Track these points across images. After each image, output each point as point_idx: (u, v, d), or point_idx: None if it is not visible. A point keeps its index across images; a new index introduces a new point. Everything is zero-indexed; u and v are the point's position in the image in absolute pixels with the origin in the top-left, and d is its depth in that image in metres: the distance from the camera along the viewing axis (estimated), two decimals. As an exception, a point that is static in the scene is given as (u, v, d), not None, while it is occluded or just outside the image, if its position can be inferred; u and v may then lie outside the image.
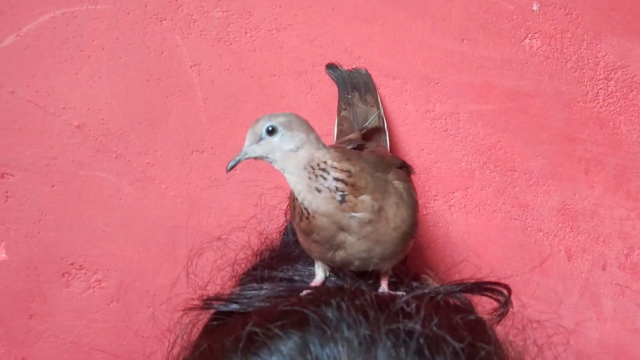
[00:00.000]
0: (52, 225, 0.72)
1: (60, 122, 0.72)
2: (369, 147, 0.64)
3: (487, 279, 0.52)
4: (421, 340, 0.40)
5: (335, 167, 0.49)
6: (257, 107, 0.76)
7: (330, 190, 0.48)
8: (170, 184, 0.74)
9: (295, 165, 0.49)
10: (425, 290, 0.48)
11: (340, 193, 0.49)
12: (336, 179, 0.49)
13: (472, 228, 0.80)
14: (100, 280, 0.73)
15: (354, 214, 0.49)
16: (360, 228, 0.49)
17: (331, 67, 0.76)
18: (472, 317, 0.47)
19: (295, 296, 0.49)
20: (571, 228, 0.82)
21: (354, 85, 0.75)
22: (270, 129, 0.49)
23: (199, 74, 0.75)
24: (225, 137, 0.76)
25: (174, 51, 0.75)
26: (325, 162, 0.49)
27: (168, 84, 0.75)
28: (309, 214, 0.49)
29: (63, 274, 0.73)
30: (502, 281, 0.51)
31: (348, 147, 0.60)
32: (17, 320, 0.72)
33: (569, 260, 0.81)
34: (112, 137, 0.73)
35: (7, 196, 0.72)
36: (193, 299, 0.53)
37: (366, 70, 0.76)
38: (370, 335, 0.40)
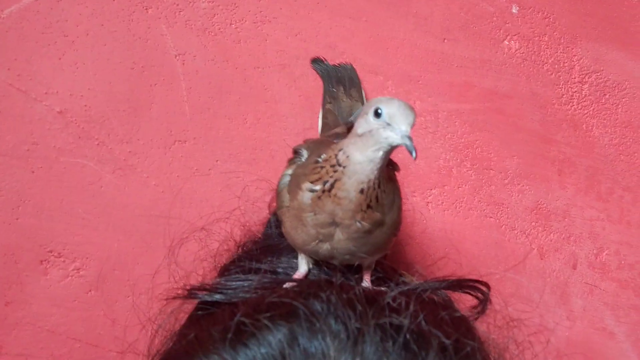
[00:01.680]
0: (31, 212, 0.71)
1: (41, 107, 0.71)
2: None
3: (467, 277, 0.52)
4: (408, 335, 0.40)
5: (383, 185, 0.48)
6: (240, 99, 0.76)
7: (366, 199, 0.48)
8: (151, 173, 0.74)
9: (383, 161, 0.47)
10: (413, 286, 0.48)
11: (368, 205, 0.48)
12: (376, 196, 0.48)
13: (449, 225, 0.81)
14: (79, 269, 0.72)
15: (361, 221, 0.49)
16: (355, 232, 0.49)
17: (316, 61, 0.76)
18: (457, 314, 0.47)
19: (283, 288, 0.49)
20: (544, 227, 0.84)
21: (339, 79, 0.75)
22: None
23: (183, 64, 0.75)
24: (208, 128, 0.75)
25: (158, 40, 0.74)
26: (380, 179, 0.48)
27: (152, 72, 0.74)
28: (331, 190, 0.48)
29: (41, 261, 0.71)
30: (480, 279, 0.52)
31: (335, 141, 0.60)
32: (-7, 308, 0.71)
33: (541, 259, 0.83)
34: (95, 124, 0.72)
35: (-14, 181, 0.71)
36: (177, 288, 0.53)
37: (351, 65, 0.77)
38: (358, 329, 0.40)
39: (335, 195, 0.48)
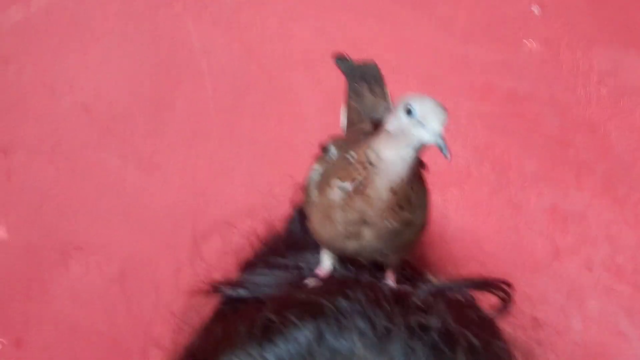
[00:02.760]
0: (54, 208, 0.71)
1: (66, 102, 0.71)
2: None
3: (490, 276, 0.52)
4: (436, 334, 0.40)
5: (414, 184, 0.48)
6: (264, 98, 0.76)
7: (397, 198, 0.46)
8: (175, 171, 0.74)
9: (414, 159, 0.45)
10: (440, 286, 0.48)
11: (399, 204, 0.47)
12: (407, 196, 0.47)
13: (468, 226, 0.81)
14: (101, 265, 0.72)
15: (391, 221, 0.49)
16: (384, 231, 0.49)
17: (340, 58, 0.76)
18: (483, 314, 0.47)
19: (309, 285, 0.49)
20: (561, 230, 0.83)
21: (363, 76, 0.74)
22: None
23: (209, 62, 0.75)
24: (232, 126, 0.75)
25: (184, 37, 0.74)
26: (411, 179, 0.47)
27: (177, 70, 0.74)
28: (361, 188, 0.47)
29: (63, 257, 0.71)
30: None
31: (362, 138, 0.59)
32: (15, 303, 0.70)
33: (558, 262, 0.83)
34: (119, 121, 0.73)
35: (10, 176, 0.71)
36: (201, 282, 0.53)
37: (375, 63, 0.76)
38: (385, 328, 0.40)
39: (366, 194, 0.48)
